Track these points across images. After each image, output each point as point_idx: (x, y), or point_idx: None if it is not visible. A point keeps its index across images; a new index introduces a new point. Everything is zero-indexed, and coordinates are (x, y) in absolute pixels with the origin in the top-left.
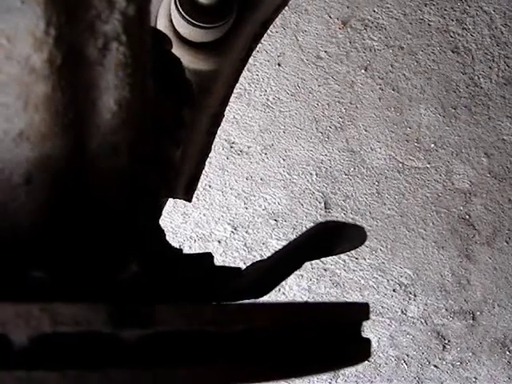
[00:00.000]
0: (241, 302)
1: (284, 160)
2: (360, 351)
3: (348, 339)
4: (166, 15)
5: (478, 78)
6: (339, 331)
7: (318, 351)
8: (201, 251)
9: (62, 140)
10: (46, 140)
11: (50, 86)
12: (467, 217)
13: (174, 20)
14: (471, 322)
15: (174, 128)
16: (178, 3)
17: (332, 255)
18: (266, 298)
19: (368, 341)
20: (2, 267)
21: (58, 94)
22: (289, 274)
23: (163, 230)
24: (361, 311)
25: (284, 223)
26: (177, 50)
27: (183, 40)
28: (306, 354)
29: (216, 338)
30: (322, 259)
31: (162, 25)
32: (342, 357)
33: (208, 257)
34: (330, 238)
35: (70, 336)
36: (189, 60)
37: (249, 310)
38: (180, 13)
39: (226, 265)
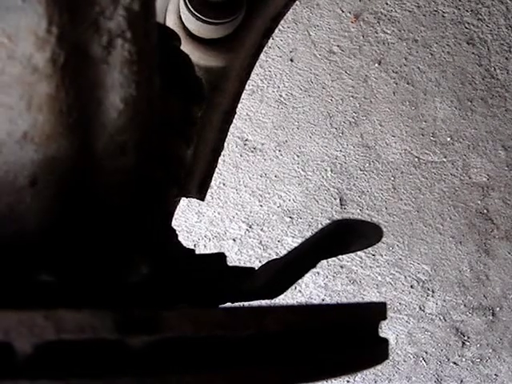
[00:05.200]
0: (253, 304)
1: (298, 156)
2: (378, 353)
3: (365, 341)
4: (175, 11)
5: (495, 70)
6: (356, 333)
7: (335, 354)
8: (214, 251)
9: (67, 140)
10: (51, 141)
11: (54, 85)
12: (485, 211)
13: (182, 16)
14: (491, 317)
15: (183, 126)
16: None
17: (348, 253)
18: (281, 297)
19: (386, 341)
20: (9, 270)
21: (61, 94)
22: (304, 274)
23: (175, 230)
24: (378, 312)
25: (299, 220)
26: (186, 46)
27: (192, 36)
28: (321, 358)
29: (226, 343)
30: (338, 256)
31: (170, 21)
32: (360, 359)
33: (221, 257)
34: (346, 236)
35: (74, 343)
36: (199, 57)
37: (260, 313)
38: (189, 9)
39: (240, 264)
